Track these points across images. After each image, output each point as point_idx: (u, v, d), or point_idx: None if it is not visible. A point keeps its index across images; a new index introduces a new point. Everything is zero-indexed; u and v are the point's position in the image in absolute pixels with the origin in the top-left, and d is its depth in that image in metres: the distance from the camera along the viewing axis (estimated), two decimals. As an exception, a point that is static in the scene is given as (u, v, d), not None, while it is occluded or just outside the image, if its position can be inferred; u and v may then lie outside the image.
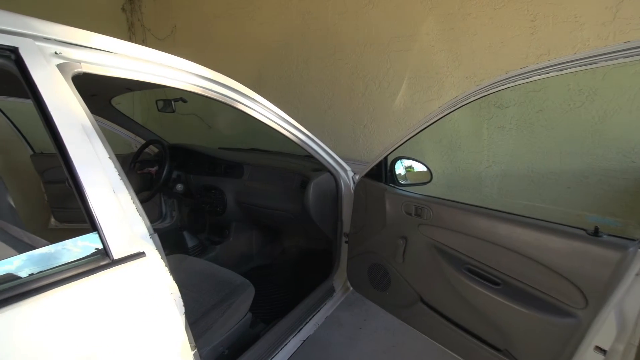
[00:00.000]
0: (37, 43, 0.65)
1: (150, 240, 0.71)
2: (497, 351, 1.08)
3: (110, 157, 0.68)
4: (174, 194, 2.19)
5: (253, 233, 2.24)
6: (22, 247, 0.71)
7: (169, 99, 1.70)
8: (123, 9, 3.42)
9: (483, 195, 2.01)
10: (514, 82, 0.95)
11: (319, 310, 1.59)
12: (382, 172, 1.42)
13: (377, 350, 1.65)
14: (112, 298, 0.62)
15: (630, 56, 0.74)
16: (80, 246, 0.61)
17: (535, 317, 0.95)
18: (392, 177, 1.42)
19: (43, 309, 0.53)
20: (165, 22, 3.30)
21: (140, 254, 0.67)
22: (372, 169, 1.44)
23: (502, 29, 1.78)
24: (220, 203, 1.98)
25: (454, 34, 1.94)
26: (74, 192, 0.62)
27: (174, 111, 1.72)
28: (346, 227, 1.64)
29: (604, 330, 0.85)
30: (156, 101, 1.75)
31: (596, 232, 0.85)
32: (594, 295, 0.85)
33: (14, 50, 0.62)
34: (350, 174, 1.64)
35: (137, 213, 0.70)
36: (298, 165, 1.80)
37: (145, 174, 1.96)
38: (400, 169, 1.43)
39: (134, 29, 3.48)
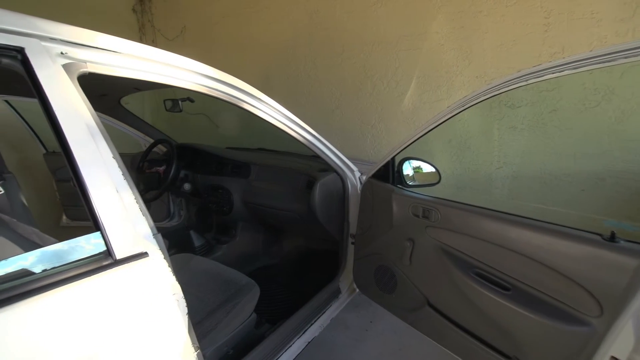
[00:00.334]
0: (43, 43, 0.65)
1: (154, 241, 0.71)
2: (506, 358, 1.05)
3: (114, 157, 0.68)
4: (182, 193, 2.20)
5: (259, 233, 2.24)
6: (28, 245, 0.71)
7: (176, 99, 1.71)
8: (134, 10, 3.46)
9: (493, 197, 1.97)
10: (526, 80, 0.92)
11: (324, 312, 1.58)
12: (389, 172, 1.40)
13: (383, 353, 1.63)
14: (114, 298, 0.62)
15: (651, 53, 0.70)
16: (83, 246, 0.61)
17: (547, 324, 0.91)
18: (400, 178, 1.40)
19: (44, 308, 0.53)
20: (174, 22, 3.33)
21: (143, 254, 0.67)
22: (379, 170, 1.42)
23: (515, 26, 1.74)
24: (227, 203, 1.98)
25: (465, 32, 1.90)
26: (78, 192, 0.63)
27: (181, 111, 1.73)
28: (353, 228, 1.63)
29: (621, 340, 0.81)
30: (164, 101, 1.76)
31: (612, 238, 0.82)
32: (610, 303, 0.81)
33: (20, 51, 0.62)
34: (357, 174, 1.62)
35: (141, 213, 0.70)
36: (304, 165, 1.79)
37: (154, 173, 1.98)
38: (408, 169, 1.41)
39: (144, 30, 3.52)
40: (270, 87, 2.79)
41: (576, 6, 1.56)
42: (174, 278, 0.72)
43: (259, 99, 1.16)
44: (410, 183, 1.40)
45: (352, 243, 1.63)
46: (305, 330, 1.45)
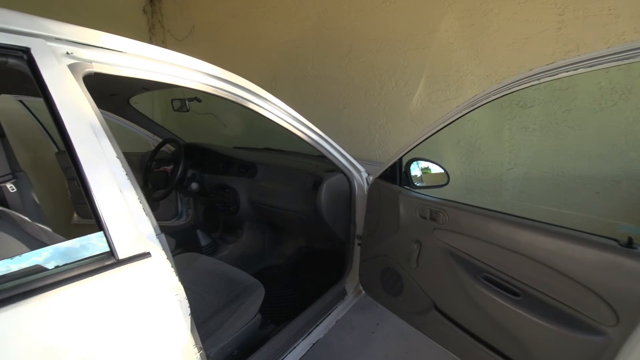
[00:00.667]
0: (49, 43, 0.66)
1: (157, 241, 0.70)
2: (516, 365, 1.02)
3: (118, 157, 0.68)
4: (189, 192, 2.22)
5: (265, 233, 2.24)
6: (34, 243, 0.72)
7: (183, 99, 1.72)
8: (144, 11, 3.50)
9: (503, 199, 1.93)
10: (538, 79, 0.89)
11: (330, 313, 1.56)
12: (396, 173, 1.38)
13: (389, 356, 1.61)
14: (116, 298, 0.62)
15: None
16: (86, 245, 0.61)
17: (558, 332, 0.88)
18: (407, 179, 1.38)
19: (46, 308, 0.53)
20: (184, 23, 3.36)
21: (145, 254, 0.66)
22: (386, 170, 1.40)
23: (527, 24, 1.69)
24: (234, 202, 1.98)
25: (475, 31, 1.86)
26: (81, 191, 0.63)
27: (188, 110, 1.74)
28: (359, 230, 1.61)
29: (639, 351, 0.78)
30: (171, 101, 1.77)
31: (630, 244, 0.78)
32: (627, 312, 0.77)
33: (26, 51, 0.62)
34: (364, 175, 1.60)
35: (144, 213, 0.70)
36: (311, 165, 1.78)
37: (161, 172, 1.99)
38: (415, 170, 1.38)
39: (154, 30, 3.56)
40: (278, 87, 2.79)
41: (592, 2, 1.51)
42: (176, 279, 0.72)
43: (266, 99, 1.15)
44: (417, 184, 1.38)
45: (359, 244, 1.61)
46: (311, 332, 1.44)
